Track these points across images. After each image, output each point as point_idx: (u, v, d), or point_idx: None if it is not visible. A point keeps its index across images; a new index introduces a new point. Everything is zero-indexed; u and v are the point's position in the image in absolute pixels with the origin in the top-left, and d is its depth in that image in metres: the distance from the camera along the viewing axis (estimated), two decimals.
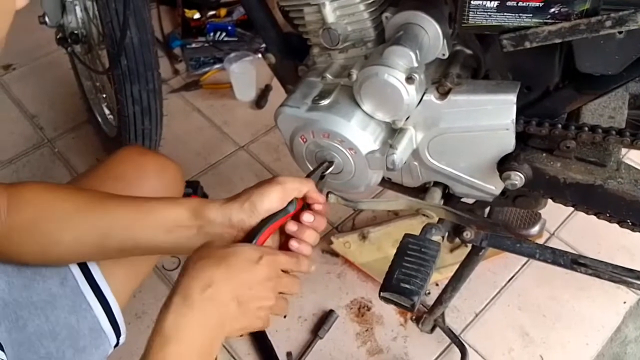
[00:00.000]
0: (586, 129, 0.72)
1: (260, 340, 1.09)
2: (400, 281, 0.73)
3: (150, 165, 0.74)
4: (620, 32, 0.60)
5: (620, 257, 1.22)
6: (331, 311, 1.13)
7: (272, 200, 0.59)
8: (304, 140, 0.80)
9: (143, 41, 0.96)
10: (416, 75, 0.70)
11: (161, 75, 1.22)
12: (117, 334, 0.65)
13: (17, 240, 0.58)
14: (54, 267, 0.61)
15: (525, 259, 1.20)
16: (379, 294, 0.73)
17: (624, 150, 1.39)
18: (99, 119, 1.45)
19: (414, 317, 1.12)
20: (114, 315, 0.63)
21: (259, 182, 0.62)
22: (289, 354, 1.09)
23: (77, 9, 1.18)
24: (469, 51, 0.78)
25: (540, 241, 1.25)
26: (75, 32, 1.20)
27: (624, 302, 1.16)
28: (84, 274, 0.62)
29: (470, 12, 0.59)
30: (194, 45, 1.77)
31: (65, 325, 0.60)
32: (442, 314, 1.08)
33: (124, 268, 0.65)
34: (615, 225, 0.78)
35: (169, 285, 1.18)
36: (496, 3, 0.57)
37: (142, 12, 0.94)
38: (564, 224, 1.27)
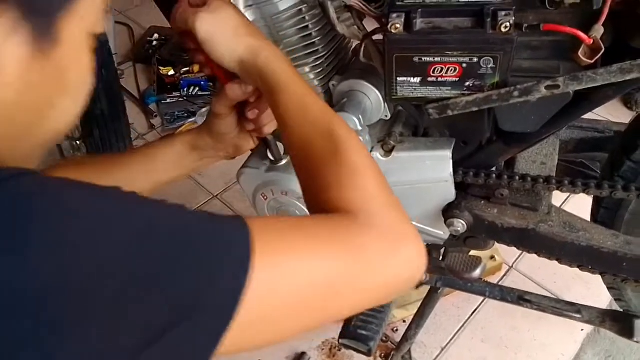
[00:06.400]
0: (517, 177, 0.79)
1: None
2: (358, 328, 0.79)
3: None
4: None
5: (576, 286, 1.29)
6: (303, 353, 1.17)
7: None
8: (265, 197, 0.87)
9: (114, 113, 1.02)
10: (360, 138, 0.77)
11: (137, 130, 1.27)
12: None
13: None
14: None
15: None
16: (338, 340, 0.78)
17: None
18: None
19: (383, 355, 1.17)
20: None
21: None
22: None
23: None
24: None
25: (500, 274, 1.31)
26: None
27: (582, 330, 1.22)
28: None
29: (398, 87, 0.67)
30: (168, 100, 1.83)
31: None
32: (409, 351, 1.13)
33: None
34: None
35: None
36: (419, 79, 0.65)
37: (113, 86, 1.00)
38: (522, 257, 1.35)
